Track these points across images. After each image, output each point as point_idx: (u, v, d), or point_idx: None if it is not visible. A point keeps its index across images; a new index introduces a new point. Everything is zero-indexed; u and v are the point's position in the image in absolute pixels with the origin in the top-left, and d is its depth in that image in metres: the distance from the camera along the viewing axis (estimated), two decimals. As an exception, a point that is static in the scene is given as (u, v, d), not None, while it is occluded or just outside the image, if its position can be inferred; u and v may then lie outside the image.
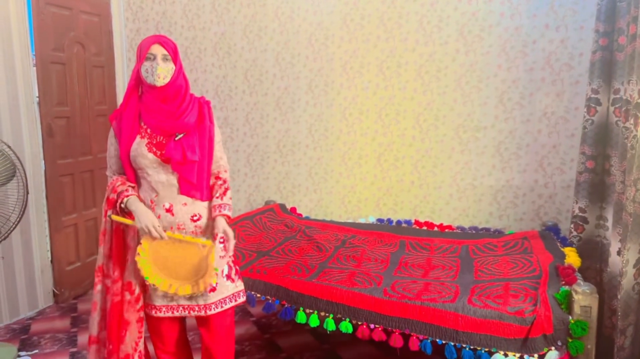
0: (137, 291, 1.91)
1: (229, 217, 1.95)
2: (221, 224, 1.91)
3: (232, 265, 2.04)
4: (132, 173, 1.93)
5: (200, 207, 1.95)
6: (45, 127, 3.26)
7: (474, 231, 2.99)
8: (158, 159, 1.87)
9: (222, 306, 1.97)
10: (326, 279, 2.35)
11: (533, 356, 1.83)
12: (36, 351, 2.76)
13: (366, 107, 3.38)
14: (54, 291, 3.39)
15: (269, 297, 2.38)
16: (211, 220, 1.95)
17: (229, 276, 2.01)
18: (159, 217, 1.90)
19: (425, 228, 3.11)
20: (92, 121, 3.63)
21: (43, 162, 3.29)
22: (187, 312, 1.95)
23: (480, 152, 3.11)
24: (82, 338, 2.90)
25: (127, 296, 1.90)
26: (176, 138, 1.88)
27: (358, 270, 2.50)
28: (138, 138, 1.89)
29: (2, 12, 2.96)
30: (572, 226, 2.57)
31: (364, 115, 3.39)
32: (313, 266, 2.55)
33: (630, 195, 1.91)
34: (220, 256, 1.97)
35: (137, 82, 1.91)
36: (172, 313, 1.95)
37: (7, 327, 3.04)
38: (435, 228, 3.08)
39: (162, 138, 1.88)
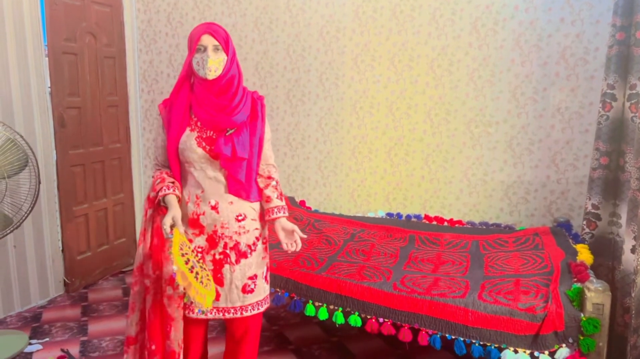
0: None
1: (288, 217, 1.94)
2: (287, 225, 1.90)
3: (268, 266, 2.03)
4: (177, 167, 1.87)
5: (246, 207, 1.90)
6: (57, 117, 3.27)
7: (484, 227, 2.97)
8: (207, 154, 1.81)
9: (258, 309, 1.95)
10: (335, 272, 2.35)
11: (544, 353, 1.82)
12: (47, 339, 2.79)
13: (377, 101, 3.35)
14: (64, 280, 3.42)
15: (278, 289, 2.39)
16: (269, 220, 1.93)
17: (266, 278, 2.00)
18: (203, 214, 1.86)
19: (435, 223, 3.10)
20: (103, 111, 3.64)
21: (55, 152, 3.31)
22: (221, 314, 1.91)
23: (492, 147, 3.08)
24: (93, 327, 2.93)
25: (169, 291, 1.83)
26: (227, 134, 1.82)
27: (367, 264, 2.49)
28: (188, 131, 1.83)
29: (15, 3, 2.97)
30: (584, 222, 2.55)
31: (375, 108, 3.37)
32: (322, 259, 2.55)
33: (645, 192, 1.88)
34: (262, 258, 1.97)
35: (189, 72, 1.84)
36: (206, 315, 1.90)
37: (18, 315, 3.07)
38: (445, 223, 3.07)
39: (212, 132, 1.82)
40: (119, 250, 3.87)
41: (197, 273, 1.73)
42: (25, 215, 2.65)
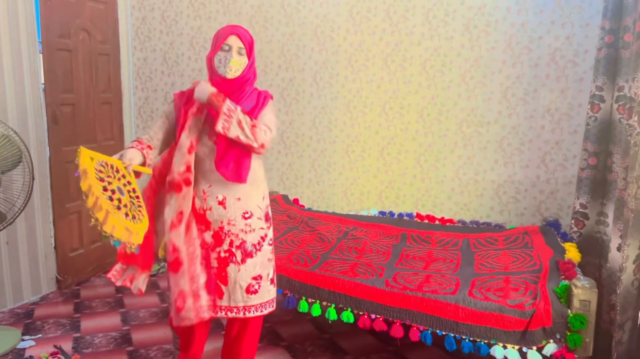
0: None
1: (222, 99, 1.79)
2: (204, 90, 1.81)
3: (275, 268, 2.05)
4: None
5: (253, 205, 1.93)
6: (50, 113, 3.27)
7: (475, 226, 3.01)
8: (215, 147, 1.86)
9: (262, 310, 1.97)
10: (329, 269, 2.38)
11: (532, 349, 1.86)
12: (40, 335, 2.79)
13: (370, 100, 3.39)
14: (57, 277, 3.42)
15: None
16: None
17: (272, 280, 2.02)
18: (210, 209, 1.88)
19: (426, 221, 3.13)
20: (97, 109, 3.64)
21: (48, 148, 3.30)
22: (224, 313, 1.93)
23: (483, 147, 3.12)
24: (85, 324, 2.94)
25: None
26: None
27: (360, 261, 2.52)
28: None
29: (9, -2, 2.97)
30: (572, 222, 2.60)
31: (368, 108, 3.40)
32: (315, 256, 2.57)
33: (632, 192, 1.93)
34: (268, 259, 1.99)
35: (211, 71, 1.89)
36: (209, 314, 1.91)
37: (11, 311, 3.07)
38: (437, 222, 3.11)
39: None
40: (111, 247, 3.84)
41: (122, 204, 1.58)
42: (19, 211, 2.65)
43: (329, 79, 3.48)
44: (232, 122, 1.77)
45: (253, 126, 1.81)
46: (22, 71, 3.08)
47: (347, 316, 2.19)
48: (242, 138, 1.79)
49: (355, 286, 2.19)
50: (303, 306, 2.29)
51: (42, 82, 3.24)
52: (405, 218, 3.21)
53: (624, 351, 2.02)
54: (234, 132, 1.78)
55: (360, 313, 2.18)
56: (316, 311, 2.26)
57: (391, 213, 3.27)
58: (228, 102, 1.80)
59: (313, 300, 2.29)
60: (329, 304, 2.25)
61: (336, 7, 3.39)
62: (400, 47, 3.26)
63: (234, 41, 1.82)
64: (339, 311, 2.23)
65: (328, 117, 3.52)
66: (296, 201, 3.56)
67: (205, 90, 1.81)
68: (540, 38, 2.92)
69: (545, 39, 2.91)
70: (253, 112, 1.90)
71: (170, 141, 1.96)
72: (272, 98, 1.98)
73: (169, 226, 1.83)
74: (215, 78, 1.88)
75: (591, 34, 2.79)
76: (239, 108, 1.82)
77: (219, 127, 1.76)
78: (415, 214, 3.21)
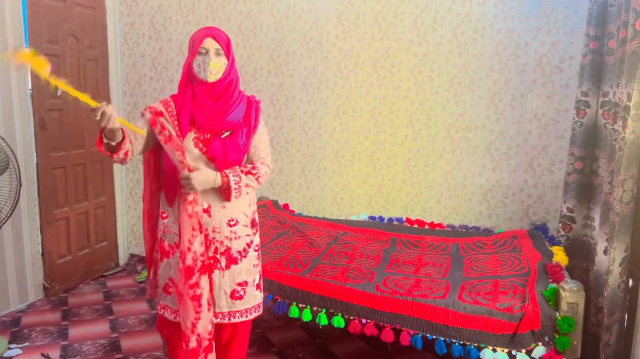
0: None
1: (227, 180, 1.82)
2: (205, 170, 1.82)
3: (261, 274, 2.05)
4: (174, 167, 1.83)
5: (239, 212, 1.92)
6: (38, 119, 3.24)
7: (464, 230, 3.03)
8: (203, 156, 1.84)
9: (247, 316, 1.97)
10: (319, 274, 2.38)
11: (521, 351, 1.88)
12: (27, 343, 2.75)
13: (360, 106, 3.40)
14: (44, 284, 3.38)
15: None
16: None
17: (258, 286, 2.02)
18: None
19: (416, 226, 3.15)
20: (85, 114, 3.61)
21: (35, 154, 3.27)
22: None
23: (471, 152, 3.15)
24: (73, 331, 2.90)
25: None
26: (222, 136, 1.85)
27: (350, 266, 2.53)
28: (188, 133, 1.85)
29: (-4, 3, 2.95)
30: (560, 225, 2.63)
31: (358, 113, 3.42)
32: (306, 261, 2.57)
33: (617, 195, 1.96)
34: (253, 265, 1.98)
35: (189, 76, 1.86)
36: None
37: (-4, 320, 3.03)
38: (426, 226, 3.12)
39: (209, 135, 1.85)
40: (100, 253, 3.83)
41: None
42: (6, 218, 2.62)
43: (318, 85, 3.49)
44: (241, 190, 1.87)
45: (257, 178, 1.92)
46: (9, 76, 3.05)
47: (338, 321, 2.19)
48: (250, 192, 1.94)
49: (345, 291, 2.20)
50: (294, 312, 2.29)
51: (30, 87, 3.21)
52: (395, 222, 3.22)
53: (612, 353, 2.04)
54: (243, 194, 1.90)
55: (351, 317, 2.18)
56: (307, 316, 2.26)
57: (381, 218, 3.29)
58: (230, 176, 1.83)
59: (304, 305, 2.29)
60: (319, 309, 2.25)
61: (325, 14, 3.41)
62: (389, 52, 3.28)
63: (210, 43, 1.79)
64: (329, 316, 2.23)
65: (318, 122, 3.53)
66: (286, 206, 3.56)
67: (206, 181, 1.80)
68: (527, 44, 2.96)
69: (532, 45, 2.95)
70: (248, 123, 1.90)
71: (145, 149, 1.92)
72: (260, 103, 1.99)
73: (206, 307, 1.85)
74: (196, 84, 1.84)
75: (576, 41, 2.84)
76: (238, 170, 1.86)
77: (232, 199, 1.85)
78: (404, 219, 3.23)
